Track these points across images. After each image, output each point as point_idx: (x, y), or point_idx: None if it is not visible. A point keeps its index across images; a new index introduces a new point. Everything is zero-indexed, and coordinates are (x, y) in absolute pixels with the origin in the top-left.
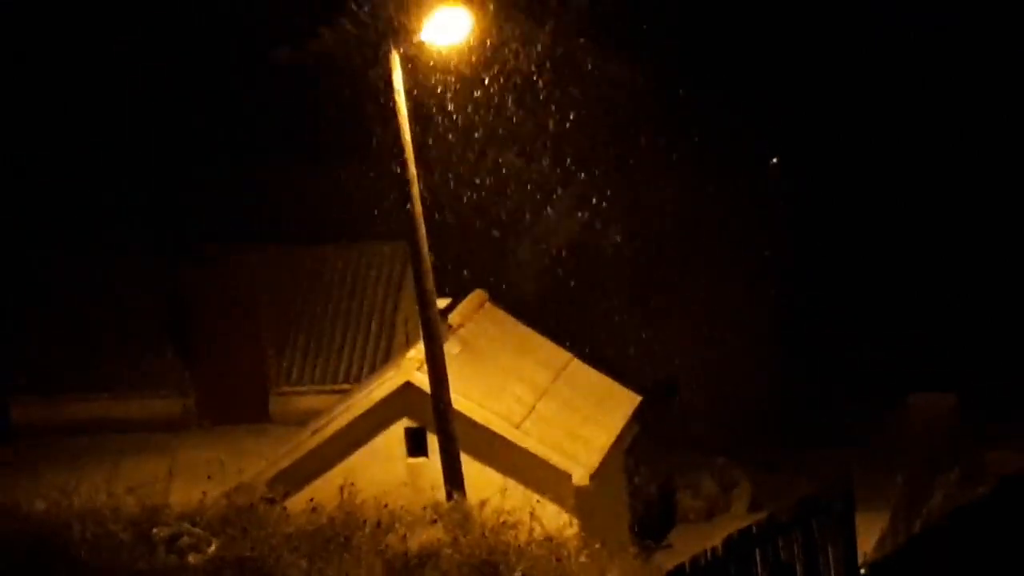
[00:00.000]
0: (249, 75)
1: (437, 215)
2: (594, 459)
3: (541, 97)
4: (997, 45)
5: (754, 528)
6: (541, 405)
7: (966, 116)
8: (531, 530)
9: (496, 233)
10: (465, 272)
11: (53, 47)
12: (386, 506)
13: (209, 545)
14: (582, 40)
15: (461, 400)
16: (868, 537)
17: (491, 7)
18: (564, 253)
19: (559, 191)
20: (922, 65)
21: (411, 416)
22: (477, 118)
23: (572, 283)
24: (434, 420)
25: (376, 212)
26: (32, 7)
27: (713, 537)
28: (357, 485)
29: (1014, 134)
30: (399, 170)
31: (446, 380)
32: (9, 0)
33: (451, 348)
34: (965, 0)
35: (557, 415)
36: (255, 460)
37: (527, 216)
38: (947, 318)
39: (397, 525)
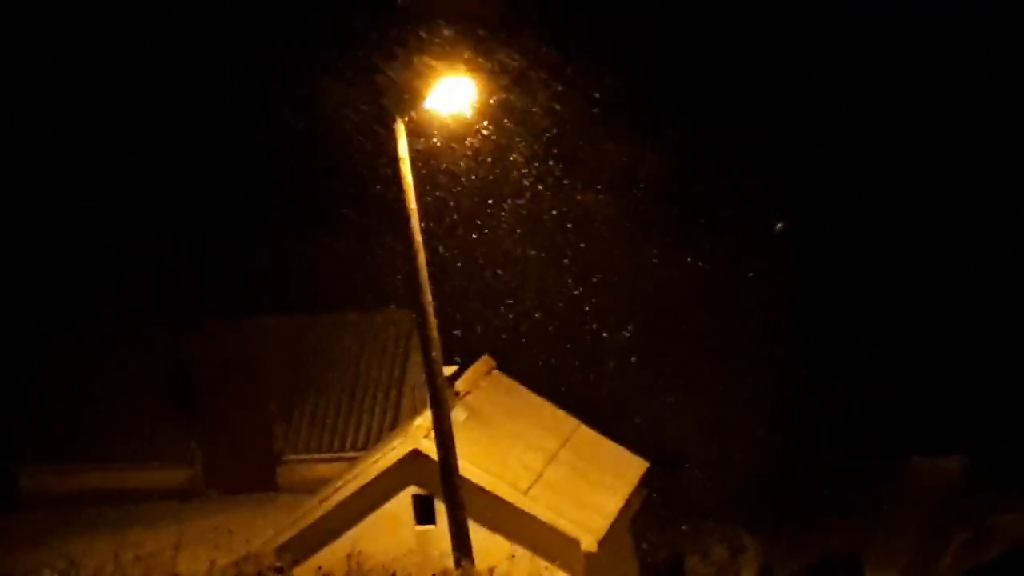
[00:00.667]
0: (255, 144)
1: (443, 282)
2: (602, 525)
3: (546, 169)
4: (994, 103)
5: None
6: (549, 471)
7: (967, 174)
8: None
9: (505, 302)
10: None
11: (53, 114)
12: (394, 574)
13: None
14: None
15: (469, 467)
16: None
17: (496, 78)
18: (570, 321)
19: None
20: (923, 124)
21: (419, 483)
22: (484, 188)
23: (578, 349)
24: (442, 487)
25: (383, 280)
26: (30, 74)
27: None
28: (365, 553)
29: (1013, 186)
30: (404, 239)
31: (453, 447)
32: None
33: (458, 415)
34: (964, 56)
35: (565, 481)
36: (263, 529)
37: (534, 286)
38: (954, 382)
39: None
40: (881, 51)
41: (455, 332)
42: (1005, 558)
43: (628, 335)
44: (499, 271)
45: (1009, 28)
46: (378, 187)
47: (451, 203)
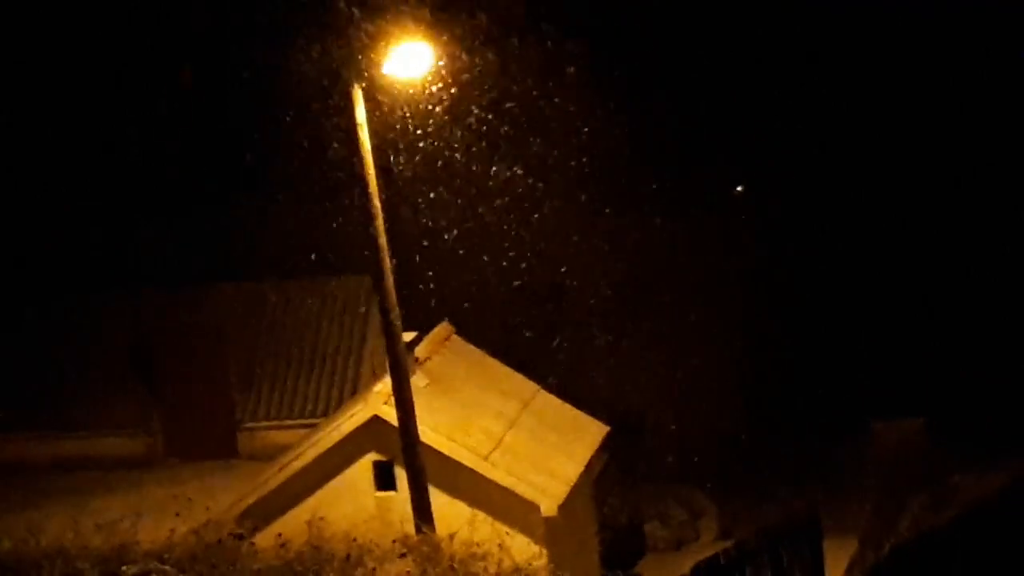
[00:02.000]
0: (211, 112)
1: (401, 249)
2: (562, 490)
3: (509, 132)
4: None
5: (722, 557)
6: (509, 437)
7: (931, 138)
8: (500, 561)
9: (463, 265)
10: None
11: (12, 80)
12: (355, 540)
13: None
14: (552, 81)
15: (429, 433)
16: (837, 563)
17: (458, 42)
18: (530, 285)
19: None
20: (889, 91)
21: (379, 450)
22: (446, 152)
23: (539, 314)
24: (402, 453)
25: (341, 246)
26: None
27: (682, 566)
28: (326, 519)
29: (976, 160)
30: (363, 204)
31: (413, 413)
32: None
33: (418, 381)
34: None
35: (525, 446)
36: (223, 496)
37: (493, 248)
38: (916, 343)
39: (366, 559)
40: (850, 18)
41: (414, 298)
42: (963, 518)
43: (588, 301)
44: (457, 236)
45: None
46: (337, 152)
47: (409, 168)
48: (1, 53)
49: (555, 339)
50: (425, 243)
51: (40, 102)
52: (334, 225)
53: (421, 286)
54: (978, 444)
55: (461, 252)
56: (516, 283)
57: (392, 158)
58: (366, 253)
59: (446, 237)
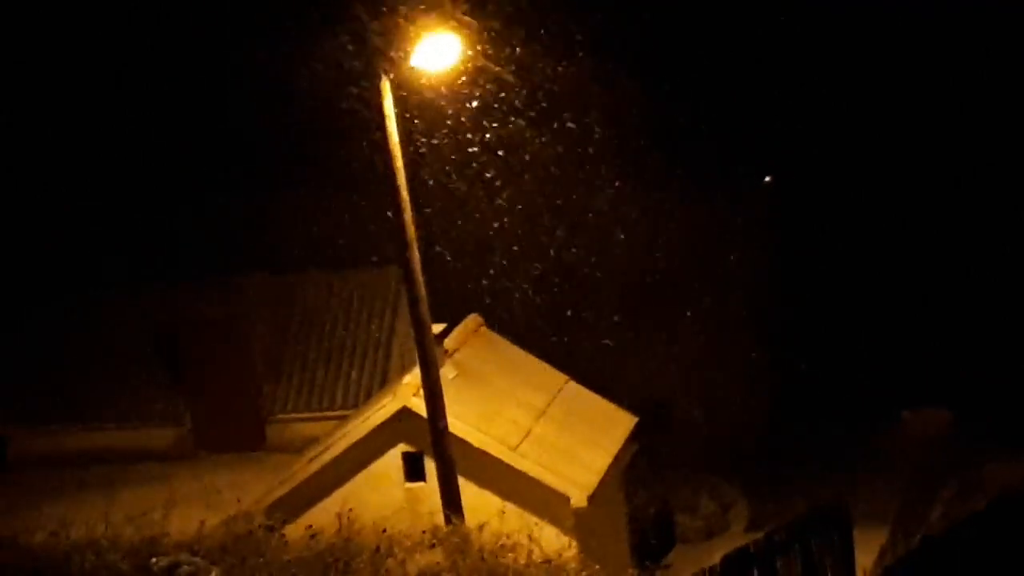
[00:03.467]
0: (241, 105)
1: (432, 242)
2: (592, 481)
3: (535, 121)
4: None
5: (752, 547)
6: (538, 428)
7: (955, 135)
8: (530, 553)
9: (491, 257)
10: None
11: (43, 87)
12: (384, 531)
13: (208, 573)
14: (576, 66)
15: (458, 424)
16: (867, 553)
17: (483, 33)
18: (558, 276)
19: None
20: (911, 85)
21: (408, 441)
22: (470, 142)
23: (566, 305)
24: (431, 445)
25: (370, 238)
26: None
27: (712, 557)
28: (355, 511)
29: (997, 156)
30: (392, 196)
31: (443, 405)
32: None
33: (447, 373)
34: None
35: (554, 437)
36: (253, 488)
37: (521, 239)
38: (942, 334)
39: (396, 550)
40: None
41: (443, 289)
42: (993, 507)
43: (616, 292)
44: (486, 228)
45: None
46: (365, 144)
47: (438, 160)
48: (43, 39)
49: (583, 330)
50: (453, 235)
51: (74, 90)
52: (363, 216)
53: (449, 275)
54: (1007, 434)
55: (489, 244)
56: (537, 270)
57: (419, 149)
58: (395, 245)
59: (474, 228)
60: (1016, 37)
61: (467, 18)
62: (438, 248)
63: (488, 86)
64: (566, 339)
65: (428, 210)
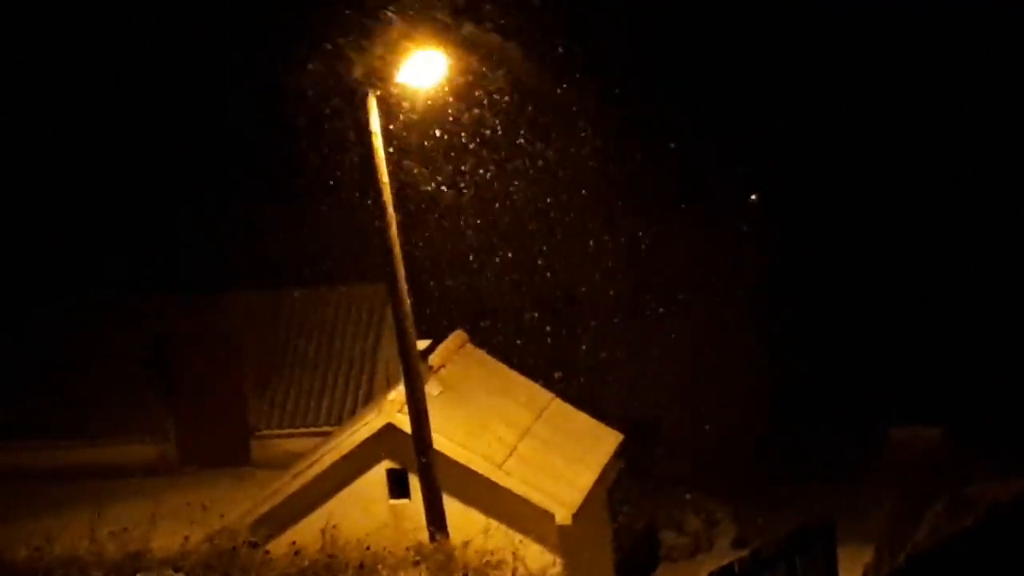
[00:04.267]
0: (228, 122)
1: (415, 257)
2: (577, 498)
3: (522, 136)
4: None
5: (737, 565)
6: (523, 445)
7: (942, 150)
8: (514, 570)
9: (476, 273)
10: (444, 320)
11: (40, 99)
12: (368, 548)
13: None
14: (563, 86)
15: (443, 441)
16: (852, 571)
17: (471, 50)
18: (545, 293)
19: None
20: (903, 95)
21: (393, 458)
22: (458, 158)
23: (555, 321)
24: (416, 461)
25: (355, 255)
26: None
27: (697, 575)
28: (339, 528)
29: (987, 175)
30: (377, 213)
31: (427, 421)
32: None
33: (432, 389)
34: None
35: (539, 455)
36: (237, 504)
37: (506, 255)
38: (932, 351)
39: (380, 567)
40: (857, 23)
41: (428, 306)
42: (981, 525)
43: (602, 308)
44: (470, 243)
45: None
46: (354, 161)
47: (423, 177)
48: (38, 49)
49: (568, 346)
50: (438, 251)
51: (63, 100)
52: (349, 232)
53: (434, 292)
54: (997, 453)
55: (474, 259)
56: (524, 288)
57: (406, 165)
58: (380, 261)
59: (459, 244)
60: (1008, 41)
61: (461, 33)
62: (425, 263)
63: (477, 104)
64: (557, 354)
65: (418, 240)
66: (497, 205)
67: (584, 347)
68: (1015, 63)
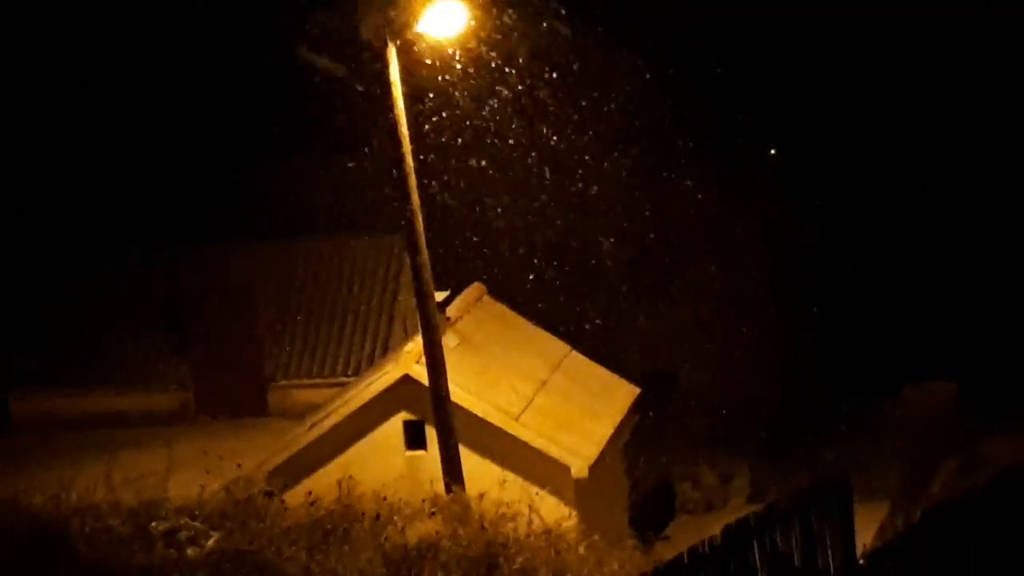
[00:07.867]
0: (243, 72)
1: (437, 202)
2: (593, 451)
3: (540, 94)
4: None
5: (752, 519)
6: (540, 397)
7: (963, 107)
8: (530, 522)
9: (496, 226)
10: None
11: (51, 59)
12: (385, 499)
13: (208, 538)
14: (585, 39)
15: (459, 393)
16: (868, 527)
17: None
18: (563, 246)
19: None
20: (921, 59)
21: (409, 409)
22: (475, 111)
23: (572, 275)
24: (432, 413)
25: (373, 205)
26: (30, 16)
27: (712, 528)
28: (356, 478)
29: (1008, 126)
30: (396, 163)
31: (444, 373)
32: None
33: (449, 341)
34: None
35: (556, 407)
36: (253, 454)
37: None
38: (946, 309)
39: (396, 518)
40: None
41: (446, 258)
42: (993, 483)
43: (621, 262)
44: (490, 197)
45: None
46: (371, 113)
47: (441, 129)
48: (71, 25)
49: (587, 300)
50: (457, 204)
51: (81, 69)
52: (366, 183)
53: (452, 243)
54: (1010, 410)
55: (493, 213)
56: (541, 242)
57: (425, 119)
58: (399, 212)
59: (479, 199)
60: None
61: None
62: (438, 212)
63: (491, 58)
64: (571, 308)
65: (433, 184)
66: (513, 160)
67: (601, 302)
68: None
